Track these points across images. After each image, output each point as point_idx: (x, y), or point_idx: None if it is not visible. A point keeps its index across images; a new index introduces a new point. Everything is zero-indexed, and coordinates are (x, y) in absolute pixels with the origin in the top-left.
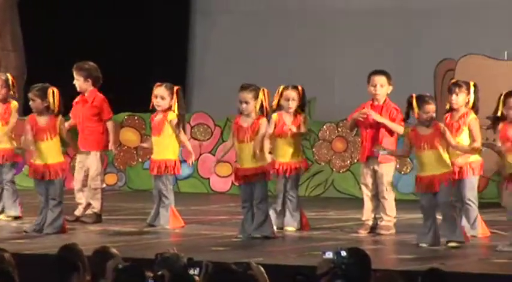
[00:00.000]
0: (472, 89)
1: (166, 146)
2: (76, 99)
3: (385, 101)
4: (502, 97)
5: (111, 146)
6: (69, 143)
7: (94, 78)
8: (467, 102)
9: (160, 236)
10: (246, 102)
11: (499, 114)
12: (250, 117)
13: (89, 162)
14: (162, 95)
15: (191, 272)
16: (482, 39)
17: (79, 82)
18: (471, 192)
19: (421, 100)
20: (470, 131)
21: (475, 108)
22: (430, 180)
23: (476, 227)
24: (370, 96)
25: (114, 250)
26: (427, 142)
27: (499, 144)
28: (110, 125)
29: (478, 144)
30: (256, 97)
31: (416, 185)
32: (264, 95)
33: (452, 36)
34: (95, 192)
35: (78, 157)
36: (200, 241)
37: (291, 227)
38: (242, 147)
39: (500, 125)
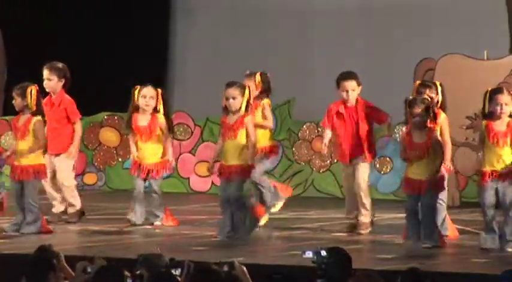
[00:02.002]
0: (439, 88)
1: (156, 149)
2: (44, 101)
3: (356, 101)
4: (488, 94)
5: (71, 148)
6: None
7: (66, 79)
8: (437, 102)
9: (141, 236)
10: (234, 98)
11: (486, 111)
12: (236, 114)
13: (58, 163)
14: (151, 95)
15: (173, 272)
16: (462, 38)
17: (52, 82)
18: (441, 192)
19: (411, 103)
20: (441, 130)
21: (442, 107)
22: (418, 183)
23: (445, 226)
24: None
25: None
26: (420, 150)
27: (480, 140)
28: (77, 127)
29: (449, 145)
30: (243, 94)
31: (403, 185)
32: (249, 92)
33: (432, 36)
34: (71, 191)
35: (47, 158)
36: (181, 241)
37: (278, 204)
38: (227, 144)
39: (485, 122)
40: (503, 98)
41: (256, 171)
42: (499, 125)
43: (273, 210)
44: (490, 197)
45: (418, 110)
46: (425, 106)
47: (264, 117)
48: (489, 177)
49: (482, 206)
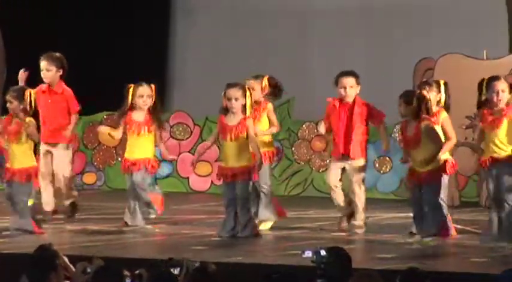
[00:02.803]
0: (442, 87)
1: (148, 145)
2: (41, 89)
3: (354, 99)
4: (485, 82)
5: (67, 132)
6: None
7: (64, 69)
8: (439, 101)
9: (140, 236)
10: (236, 99)
11: (483, 98)
12: (236, 115)
13: (56, 152)
14: (148, 93)
15: (172, 271)
16: (461, 38)
17: (51, 72)
18: (442, 191)
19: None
20: (443, 129)
21: (446, 106)
22: (418, 175)
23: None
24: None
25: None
26: (412, 140)
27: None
28: (75, 117)
29: (453, 140)
30: (244, 95)
31: (407, 178)
32: (250, 93)
33: (432, 36)
34: (68, 181)
35: (43, 150)
36: (180, 240)
37: (268, 222)
38: (227, 146)
39: (482, 111)
40: (500, 84)
41: (261, 177)
42: (496, 112)
43: (261, 227)
44: (489, 187)
45: (400, 104)
46: (404, 100)
47: (271, 122)
48: (488, 163)
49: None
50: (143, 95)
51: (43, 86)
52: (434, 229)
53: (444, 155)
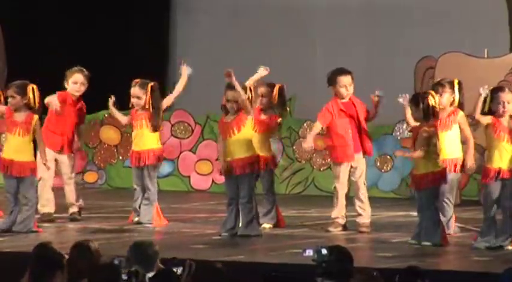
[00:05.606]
0: (456, 87)
1: (152, 138)
2: (66, 98)
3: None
4: (490, 92)
5: (79, 147)
6: (41, 144)
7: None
8: (453, 101)
9: (141, 234)
10: (236, 101)
11: (486, 109)
12: (235, 114)
13: (67, 162)
14: (137, 95)
15: (175, 271)
16: (462, 37)
17: (84, 86)
18: (449, 190)
19: None
20: (461, 128)
21: (459, 105)
22: (418, 178)
23: (450, 226)
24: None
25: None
26: (412, 139)
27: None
28: (83, 128)
29: (471, 140)
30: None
31: (411, 181)
32: (250, 92)
33: (432, 34)
34: (77, 188)
35: (50, 156)
36: (181, 239)
37: (268, 225)
38: (228, 144)
39: (490, 120)
40: (506, 96)
41: (263, 184)
42: (504, 122)
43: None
44: (494, 196)
45: (411, 108)
46: (413, 103)
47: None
48: (494, 175)
49: (485, 204)
50: (133, 95)
51: (68, 97)
52: (438, 240)
53: (456, 154)
